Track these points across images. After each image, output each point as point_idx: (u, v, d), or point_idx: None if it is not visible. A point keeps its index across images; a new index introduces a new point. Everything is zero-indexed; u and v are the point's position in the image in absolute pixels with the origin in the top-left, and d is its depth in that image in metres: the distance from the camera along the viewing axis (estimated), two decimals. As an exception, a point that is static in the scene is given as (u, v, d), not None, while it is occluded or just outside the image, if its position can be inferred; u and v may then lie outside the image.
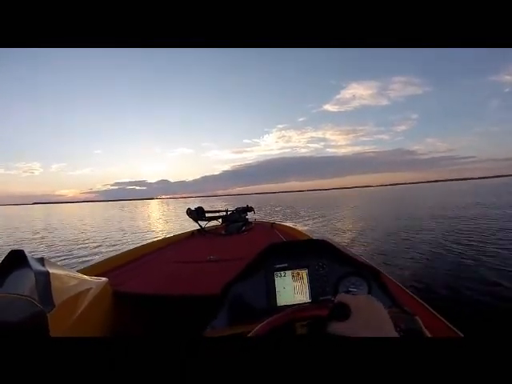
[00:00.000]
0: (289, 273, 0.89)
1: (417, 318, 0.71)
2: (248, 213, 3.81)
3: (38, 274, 0.84)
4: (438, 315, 0.94)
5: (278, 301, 0.87)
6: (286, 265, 0.90)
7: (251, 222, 3.64)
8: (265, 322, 0.56)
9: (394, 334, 0.41)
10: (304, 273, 0.90)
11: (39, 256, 0.95)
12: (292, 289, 0.88)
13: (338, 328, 0.44)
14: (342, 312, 0.46)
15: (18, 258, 0.87)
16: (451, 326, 0.87)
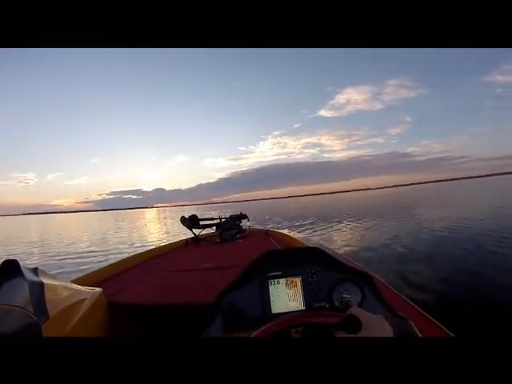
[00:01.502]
0: (283, 280, 0.91)
1: (410, 321, 0.72)
2: (242, 220, 3.82)
3: (32, 284, 0.83)
4: (431, 318, 0.95)
5: (272, 308, 0.88)
6: (279, 273, 0.91)
7: (245, 230, 3.65)
8: (268, 325, 0.56)
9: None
10: (298, 280, 0.91)
11: (33, 266, 0.95)
12: (286, 296, 0.89)
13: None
14: (354, 325, 0.46)
15: (11, 268, 0.86)
16: (444, 329, 0.88)
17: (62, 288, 0.99)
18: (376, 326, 0.47)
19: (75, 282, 1.27)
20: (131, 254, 2.47)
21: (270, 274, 0.91)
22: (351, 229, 9.12)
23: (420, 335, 0.61)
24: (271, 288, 0.90)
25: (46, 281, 0.90)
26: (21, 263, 0.87)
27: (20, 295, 0.80)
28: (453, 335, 0.83)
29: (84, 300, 1.07)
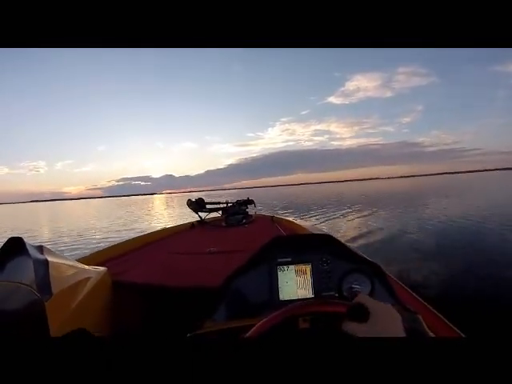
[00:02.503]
0: (292, 267, 0.89)
1: (419, 316, 0.72)
2: (248, 205, 3.82)
3: (37, 262, 0.84)
4: (439, 314, 0.94)
5: (280, 295, 0.86)
6: (289, 259, 0.89)
7: (251, 215, 3.65)
8: (272, 315, 0.55)
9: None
10: (307, 268, 0.89)
11: (38, 244, 0.95)
12: (295, 283, 0.88)
13: (354, 328, 0.44)
14: (361, 313, 0.45)
15: (16, 245, 0.87)
16: (451, 326, 0.87)
17: (66, 266, 1.00)
18: (384, 313, 0.46)
19: (80, 260, 1.29)
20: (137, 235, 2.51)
21: (279, 260, 0.89)
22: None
23: (429, 331, 0.61)
24: (280, 274, 0.88)
25: (50, 259, 0.90)
26: (26, 241, 0.89)
27: (24, 272, 0.80)
28: (462, 334, 0.81)
29: (88, 279, 1.08)
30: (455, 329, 0.85)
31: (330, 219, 9.89)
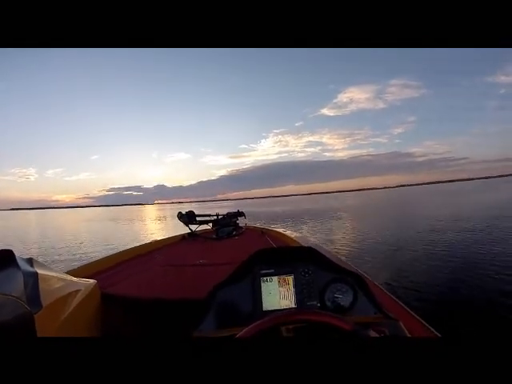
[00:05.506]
0: (275, 278, 0.92)
1: (400, 323, 0.75)
2: (239, 218, 3.83)
3: (26, 274, 0.85)
4: (419, 318, 0.97)
5: (263, 305, 0.89)
6: (272, 270, 0.92)
7: (242, 227, 3.66)
8: (270, 317, 0.57)
9: None
10: (290, 278, 0.92)
11: (28, 257, 0.96)
12: (278, 294, 0.91)
13: None
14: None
15: (6, 258, 0.88)
16: (432, 329, 0.90)
17: (56, 279, 1.01)
18: None
19: (70, 273, 1.29)
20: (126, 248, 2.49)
21: (262, 272, 0.92)
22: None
23: (408, 335, 0.62)
24: (263, 285, 0.91)
25: (40, 271, 0.92)
26: (15, 254, 0.90)
27: (14, 284, 0.81)
28: (439, 335, 0.85)
29: (78, 291, 1.08)
30: (435, 332, 0.88)
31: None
